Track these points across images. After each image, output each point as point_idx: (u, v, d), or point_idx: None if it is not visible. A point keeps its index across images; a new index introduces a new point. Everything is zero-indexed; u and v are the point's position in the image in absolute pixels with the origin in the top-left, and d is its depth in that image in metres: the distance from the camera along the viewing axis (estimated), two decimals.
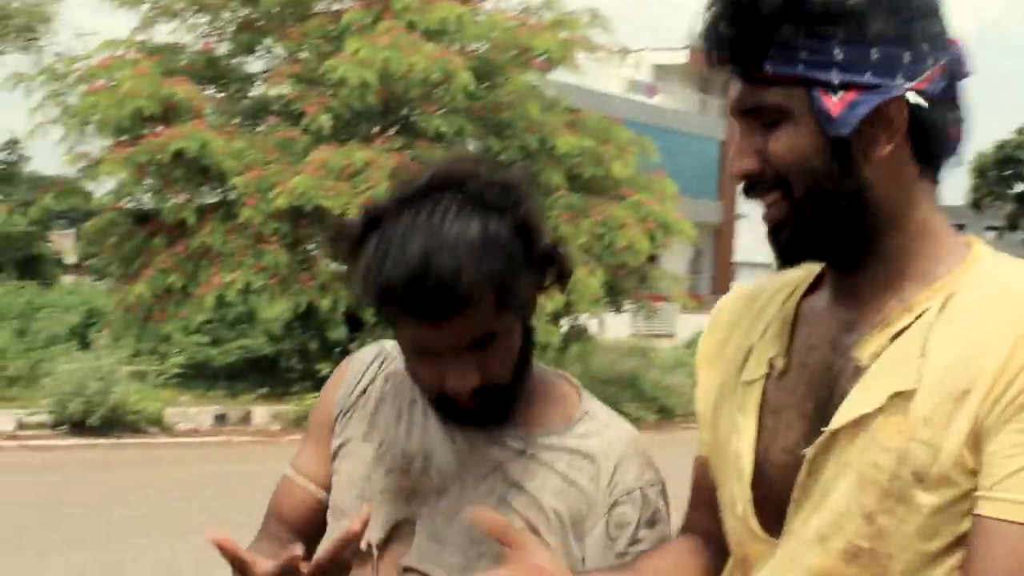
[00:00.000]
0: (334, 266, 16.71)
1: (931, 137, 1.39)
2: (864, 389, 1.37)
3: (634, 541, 1.71)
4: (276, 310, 15.57)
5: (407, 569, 1.73)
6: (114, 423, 13.07)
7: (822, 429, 1.39)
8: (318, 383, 16.31)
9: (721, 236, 49.08)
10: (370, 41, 15.97)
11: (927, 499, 1.31)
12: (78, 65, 17.22)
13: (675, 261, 44.14)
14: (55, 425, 12.78)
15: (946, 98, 1.38)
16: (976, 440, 1.29)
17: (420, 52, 15.71)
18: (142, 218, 16.85)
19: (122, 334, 15.97)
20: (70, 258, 29.86)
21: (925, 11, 1.37)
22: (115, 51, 17.34)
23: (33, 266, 26.42)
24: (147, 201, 17.04)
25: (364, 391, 1.84)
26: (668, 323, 28.62)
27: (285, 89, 17.73)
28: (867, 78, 1.34)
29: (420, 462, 1.77)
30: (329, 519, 1.83)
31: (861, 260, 1.43)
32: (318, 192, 14.99)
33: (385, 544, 1.75)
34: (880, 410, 1.35)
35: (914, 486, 1.31)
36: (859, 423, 1.36)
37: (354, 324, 16.18)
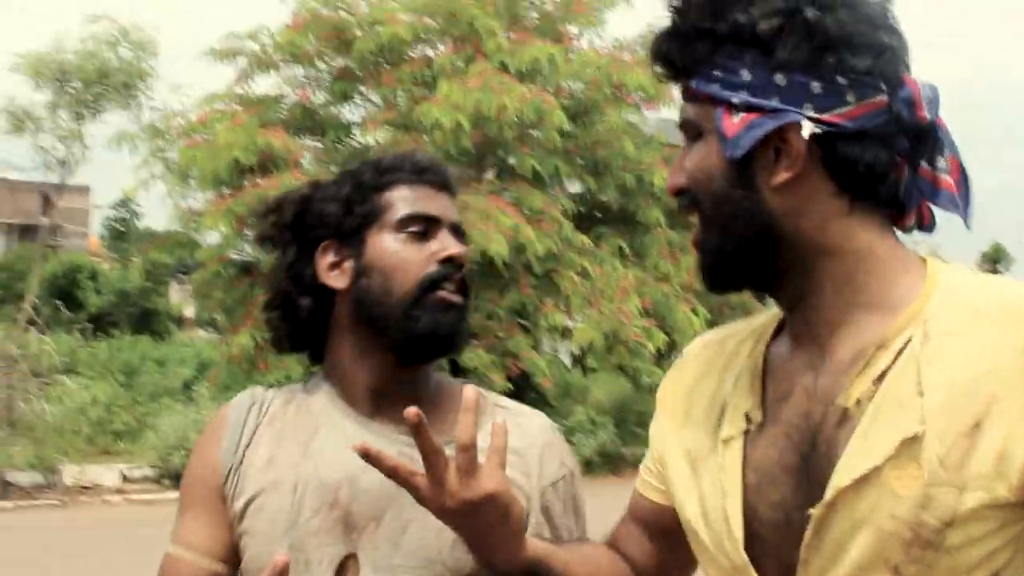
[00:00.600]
0: None
1: (852, 171, 1.34)
2: (864, 439, 1.30)
3: (556, 528, 1.74)
4: None
5: None
6: None
7: (822, 485, 1.32)
8: None
9: None
10: (461, 84, 15.99)
11: (958, 537, 1.25)
12: (177, 121, 17.59)
13: None
14: (159, 479, 12.90)
15: (880, 135, 1.33)
16: (1010, 464, 1.23)
17: (512, 93, 15.68)
18: (244, 269, 17.06)
19: (227, 385, 16.14)
20: (189, 312, 30.47)
21: (845, 45, 1.32)
22: (214, 104, 17.70)
23: (148, 320, 26.96)
24: (249, 252, 17.25)
25: (249, 443, 1.71)
26: None
27: (381, 136, 17.89)
28: (772, 103, 1.32)
29: (346, 489, 1.67)
30: None
31: (799, 292, 1.38)
32: None
33: None
34: (889, 459, 1.28)
35: (942, 530, 1.25)
36: (866, 476, 1.29)
37: (456, 369, 16.15)
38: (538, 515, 1.74)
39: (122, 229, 32.11)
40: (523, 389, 15.35)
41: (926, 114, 1.35)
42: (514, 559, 1.48)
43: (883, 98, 1.33)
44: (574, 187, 18.85)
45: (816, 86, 1.32)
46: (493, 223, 15.12)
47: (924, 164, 1.38)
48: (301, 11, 17.63)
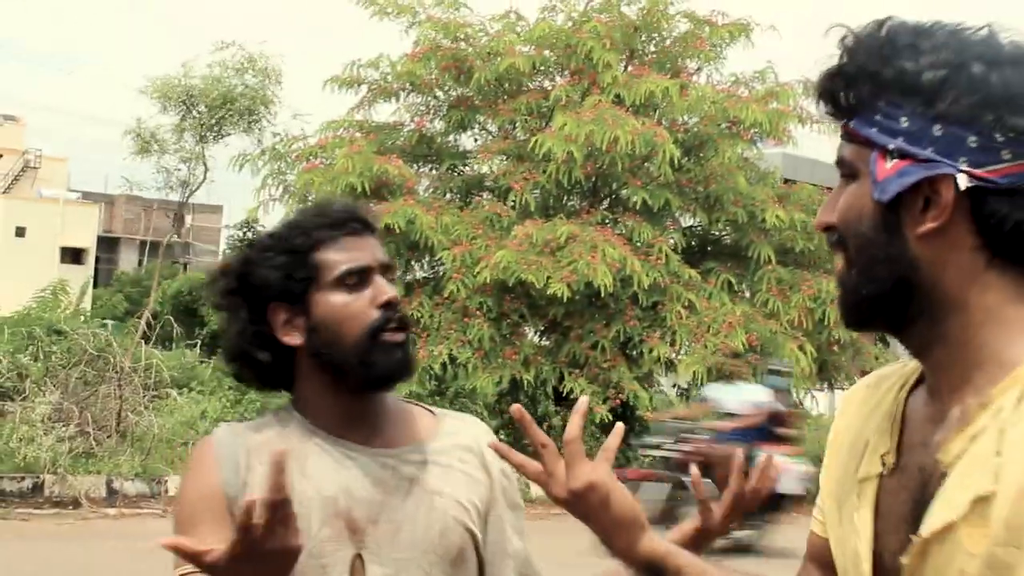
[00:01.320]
0: (537, 341, 16.89)
1: (998, 227, 1.33)
2: (947, 495, 1.33)
3: (503, 520, 1.99)
4: (480, 384, 15.70)
5: None
6: None
7: (911, 536, 1.37)
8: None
9: None
10: (576, 115, 16.12)
11: None
12: (297, 145, 18.02)
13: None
14: None
15: None
16: None
17: (625, 126, 15.73)
18: None
19: None
20: None
21: (1006, 103, 1.32)
22: (336, 131, 18.10)
23: None
24: None
25: (247, 473, 1.86)
26: None
27: (496, 165, 18.10)
28: (927, 152, 1.33)
29: (343, 500, 1.87)
30: None
31: (926, 342, 1.40)
32: (521, 266, 15.14)
33: None
34: (964, 517, 1.30)
35: None
36: (945, 530, 1.32)
37: (560, 398, 16.23)
38: (500, 500, 1.97)
39: None
40: (625, 420, 15.30)
41: None
42: (630, 550, 1.60)
43: None
44: (686, 220, 18.82)
45: (973, 140, 1.32)
46: (600, 254, 15.19)
47: None
48: (422, 41, 17.95)
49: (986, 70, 1.33)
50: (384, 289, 1.89)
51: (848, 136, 1.40)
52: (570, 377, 15.81)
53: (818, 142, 21.79)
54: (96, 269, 47.43)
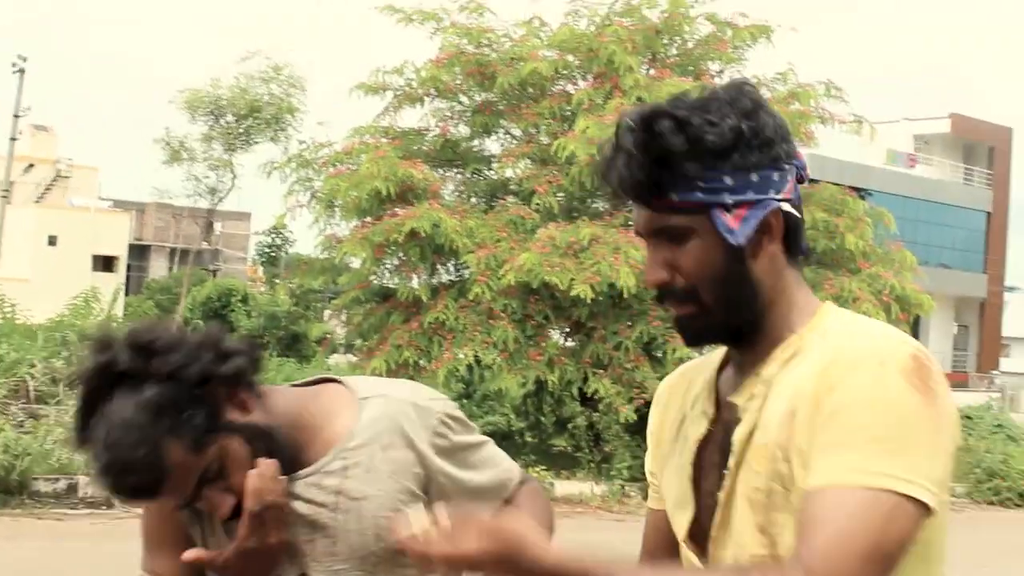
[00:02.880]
0: (561, 342, 17.05)
1: (796, 232, 1.74)
2: (739, 431, 1.71)
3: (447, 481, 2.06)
4: (505, 385, 15.86)
5: None
6: None
7: (723, 471, 1.73)
8: (551, 458, 16.46)
9: (987, 311, 46.97)
10: (599, 119, 16.26)
11: (796, 499, 1.61)
12: (323, 151, 18.25)
13: (939, 337, 42.68)
14: None
15: (798, 199, 1.74)
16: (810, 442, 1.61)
17: None
18: (382, 295, 17.56)
19: None
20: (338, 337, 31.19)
21: (781, 136, 1.70)
22: (362, 137, 18.31)
23: (295, 344, 27.77)
24: (388, 279, 17.75)
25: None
26: None
27: (520, 169, 18.27)
28: (750, 196, 1.68)
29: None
30: None
31: (751, 336, 1.74)
32: (545, 268, 15.31)
33: None
34: (748, 444, 1.69)
35: (786, 494, 1.63)
36: (739, 460, 1.70)
37: (586, 399, 16.38)
38: (435, 465, 2.03)
39: (274, 255, 33.15)
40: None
41: (808, 174, 1.78)
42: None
43: (796, 169, 1.73)
44: None
45: (775, 174, 1.70)
46: (623, 256, 15.35)
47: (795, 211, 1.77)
48: (446, 47, 18.15)
49: (756, 121, 1.67)
50: (220, 508, 1.94)
51: (669, 207, 1.68)
52: (594, 377, 15.96)
53: (841, 143, 21.79)
54: (127, 277, 47.90)
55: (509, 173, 18.69)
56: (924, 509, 1.55)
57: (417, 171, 16.86)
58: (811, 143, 18.54)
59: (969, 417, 20.85)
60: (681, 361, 12.43)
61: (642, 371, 15.83)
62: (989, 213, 46.65)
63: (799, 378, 1.65)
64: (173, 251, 55.95)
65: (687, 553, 1.82)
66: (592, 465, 16.18)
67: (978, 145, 48.12)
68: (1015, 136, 49.63)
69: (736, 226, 1.67)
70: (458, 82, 18.36)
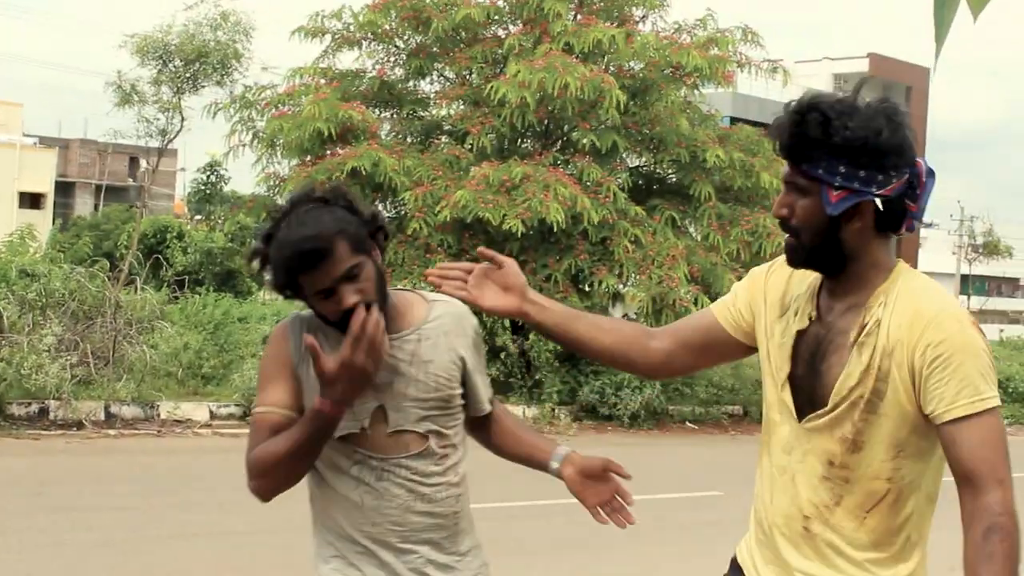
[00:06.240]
0: None
1: (888, 219, 2.36)
2: (857, 356, 2.38)
3: (475, 372, 2.78)
4: None
5: (393, 432, 2.64)
6: None
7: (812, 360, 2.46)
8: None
9: (904, 246, 48.26)
10: (529, 63, 17.09)
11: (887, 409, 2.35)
12: (266, 93, 18.89)
13: None
14: (242, 416, 14.25)
15: (904, 195, 2.35)
16: (912, 377, 2.30)
17: (574, 73, 16.72)
18: None
19: None
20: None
21: (894, 152, 2.30)
22: (301, 78, 18.97)
23: (231, 280, 28.32)
24: None
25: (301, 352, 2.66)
26: None
27: (453, 110, 19.04)
28: (855, 186, 2.31)
29: None
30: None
31: (839, 274, 2.42)
32: (479, 205, 16.21)
33: (370, 425, 2.63)
34: (857, 341, 2.39)
35: (878, 403, 2.35)
36: (845, 349, 2.41)
37: (517, 329, 17.25)
38: (472, 359, 2.75)
39: (208, 192, 33.59)
40: None
41: (924, 179, 2.37)
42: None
43: (906, 176, 2.33)
44: (632, 161, 19.88)
45: (879, 177, 2.30)
46: (552, 193, 16.25)
47: (908, 201, 2.39)
48: None
49: (879, 136, 2.27)
50: (345, 299, 2.50)
51: (801, 173, 2.33)
52: None
53: (763, 83, 22.73)
54: (53, 214, 47.69)
55: (443, 114, 19.42)
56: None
57: (356, 112, 17.57)
58: (729, 85, 19.40)
59: None
60: (607, 293, 13.60)
61: (570, 301, 16.59)
62: None
63: (896, 324, 2.32)
64: (99, 188, 55.71)
65: (778, 394, 2.49)
66: (524, 390, 17.10)
67: (896, 84, 49.21)
68: (932, 76, 50.56)
69: (834, 202, 2.30)
70: (394, 26, 19.00)
